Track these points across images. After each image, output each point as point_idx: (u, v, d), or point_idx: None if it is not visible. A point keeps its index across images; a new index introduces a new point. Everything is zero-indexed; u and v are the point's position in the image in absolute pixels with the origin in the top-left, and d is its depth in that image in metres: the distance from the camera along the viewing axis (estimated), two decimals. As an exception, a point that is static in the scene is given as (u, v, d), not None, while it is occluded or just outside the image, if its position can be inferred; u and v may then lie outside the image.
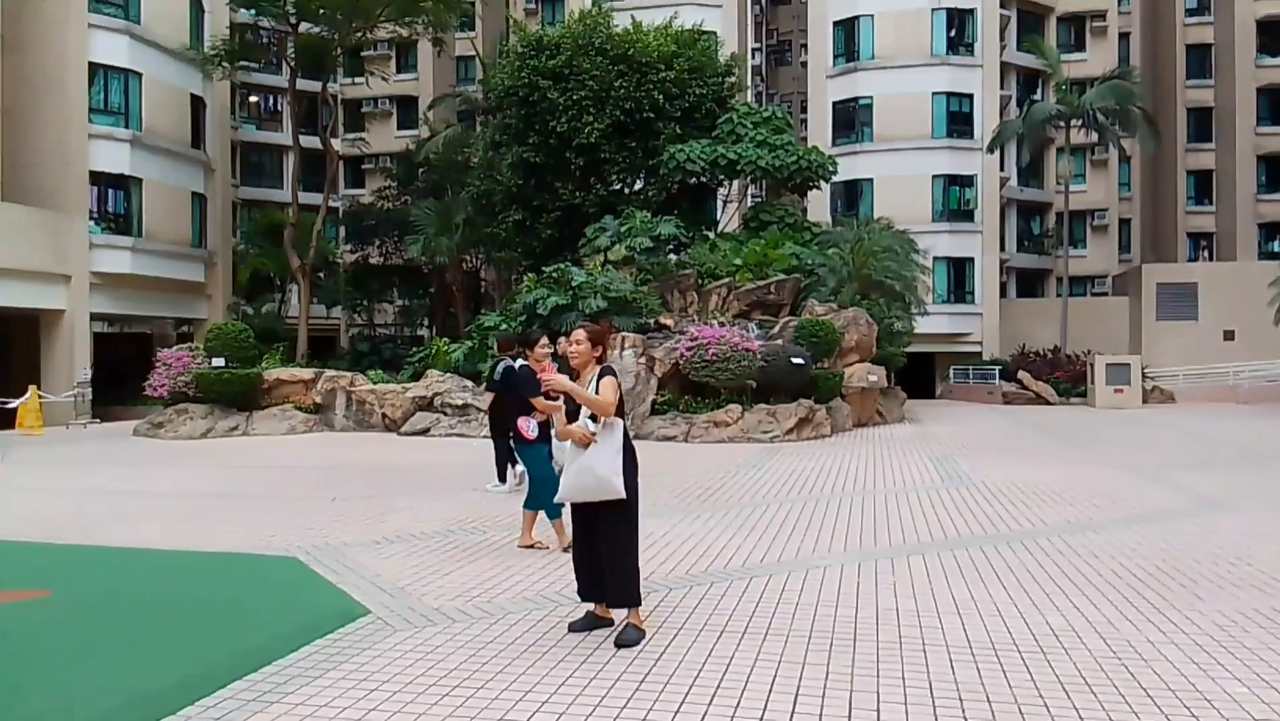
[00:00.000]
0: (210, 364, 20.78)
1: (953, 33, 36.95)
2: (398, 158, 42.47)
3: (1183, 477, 12.79)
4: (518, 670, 5.03)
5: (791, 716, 4.41)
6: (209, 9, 33.06)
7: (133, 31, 28.74)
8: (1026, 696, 4.66)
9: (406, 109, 45.55)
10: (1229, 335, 35.70)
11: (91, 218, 27.77)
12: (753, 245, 25.33)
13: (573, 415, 5.63)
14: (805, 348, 20.35)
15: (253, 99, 44.40)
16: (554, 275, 22.02)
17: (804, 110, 43.70)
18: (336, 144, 38.64)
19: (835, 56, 38.28)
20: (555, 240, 28.31)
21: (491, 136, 30.94)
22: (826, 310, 22.79)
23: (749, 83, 39.93)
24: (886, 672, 4.99)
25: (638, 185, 28.95)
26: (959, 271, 36.98)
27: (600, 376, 5.56)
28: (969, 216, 36.96)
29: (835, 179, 30.64)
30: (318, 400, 21.03)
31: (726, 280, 23.51)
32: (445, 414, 19.80)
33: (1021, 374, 33.12)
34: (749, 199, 34.45)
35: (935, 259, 33.27)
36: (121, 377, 27.40)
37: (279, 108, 44.13)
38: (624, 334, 19.71)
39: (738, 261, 24.35)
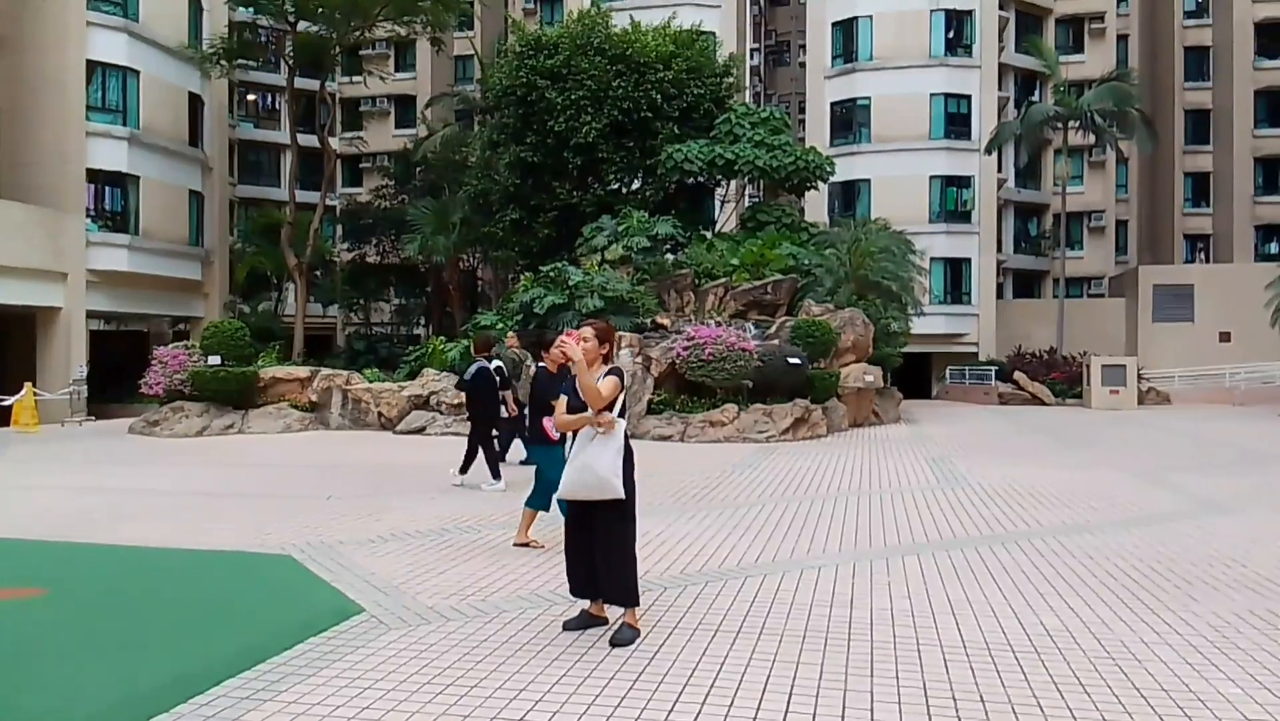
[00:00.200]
0: (206, 362, 20.75)
1: (951, 34, 36.99)
2: (395, 157, 42.48)
3: (1179, 479, 12.81)
4: (512, 668, 5.03)
5: (785, 716, 4.41)
6: (207, 7, 33.06)
7: (131, 29, 28.71)
8: (1020, 696, 4.66)
9: (404, 108, 45.55)
10: (1225, 337, 35.78)
11: (89, 215, 27.75)
12: (750, 245, 25.33)
13: (575, 410, 5.63)
14: (802, 348, 20.36)
15: (251, 97, 44.38)
16: (551, 274, 22.01)
17: (802, 111, 43.70)
18: (334, 143, 38.67)
19: (833, 57, 38.32)
20: (552, 239, 28.31)
21: (489, 136, 30.93)
22: (823, 310, 22.79)
23: (747, 83, 39.92)
24: (881, 672, 4.99)
25: (635, 185, 28.95)
26: (956, 272, 37.02)
27: (606, 375, 5.57)
28: (966, 217, 37.01)
29: (833, 179, 30.67)
30: (313, 398, 21.01)
31: (723, 280, 23.52)
32: (441, 412, 19.79)
33: (1018, 375, 33.17)
34: (746, 199, 34.45)
35: (932, 259, 33.29)
36: (117, 375, 27.38)
37: (277, 106, 44.13)
38: (620, 333, 19.72)
39: (735, 261, 24.36)
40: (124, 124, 28.61)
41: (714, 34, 32.92)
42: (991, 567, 7.42)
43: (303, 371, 21.85)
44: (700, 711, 4.46)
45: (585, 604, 5.80)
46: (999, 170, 38.48)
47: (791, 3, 52.92)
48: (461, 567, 7.37)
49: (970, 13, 36.94)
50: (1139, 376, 31.15)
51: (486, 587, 6.75)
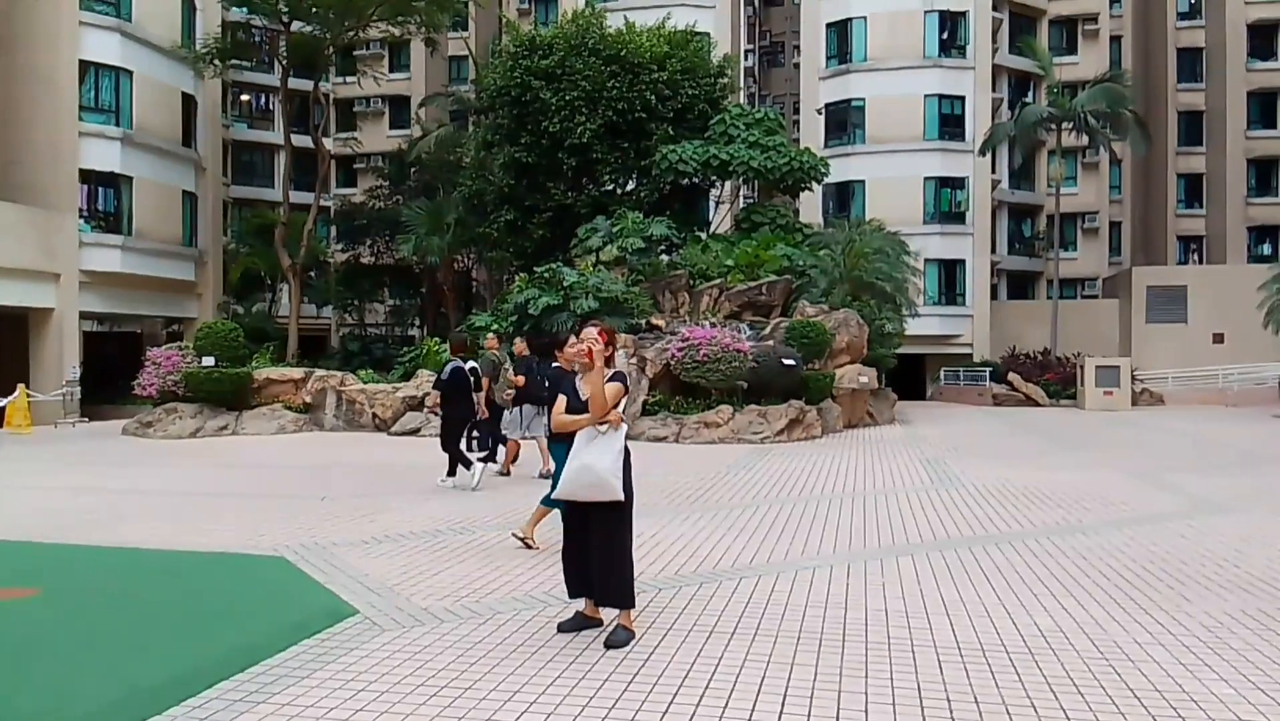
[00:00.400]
0: (200, 363, 20.70)
1: (945, 35, 37.05)
2: (389, 157, 42.44)
3: (1172, 479, 12.84)
4: (506, 670, 5.03)
5: (780, 717, 4.42)
6: (201, 7, 32.99)
7: (124, 29, 28.63)
8: (1014, 697, 4.67)
9: (398, 108, 45.50)
10: (1218, 338, 35.88)
11: (81, 216, 27.66)
12: (744, 246, 25.34)
13: (574, 411, 5.64)
14: (796, 349, 20.38)
15: (244, 97, 44.31)
16: (545, 275, 22.00)
17: (796, 111, 43.75)
18: (328, 143, 38.59)
19: (828, 58, 38.35)
20: (547, 240, 28.29)
21: (483, 136, 30.91)
22: (818, 311, 22.81)
23: (741, 84, 39.94)
24: (875, 673, 5.00)
25: (630, 186, 28.95)
26: (950, 273, 37.07)
27: (609, 380, 5.57)
28: (960, 218, 37.07)
29: (827, 180, 30.70)
30: (308, 400, 20.97)
31: (718, 281, 23.53)
32: (436, 414, 19.72)
33: (1012, 376, 33.22)
34: (741, 200, 34.49)
35: (926, 261, 33.35)
36: (111, 376, 27.32)
37: (271, 106, 44.06)
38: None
39: (729, 262, 24.37)
40: (117, 124, 28.52)
41: (708, 35, 32.91)
42: (985, 568, 7.43)
43: (297, 372, 21.81)
44: (695, 713, 4.46)
45: (580, 605, 5.80)
46: (993, 171, 38.55)
47: (786, 4, 52.96)
48: (456, 569, 7.36)
49: (964, 14, 37.00)
50: (1133, 377, 31.21)
51: (481, 589, 6.74)
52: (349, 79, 41.84)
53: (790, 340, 20.79)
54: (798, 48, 43.86)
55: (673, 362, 18.90)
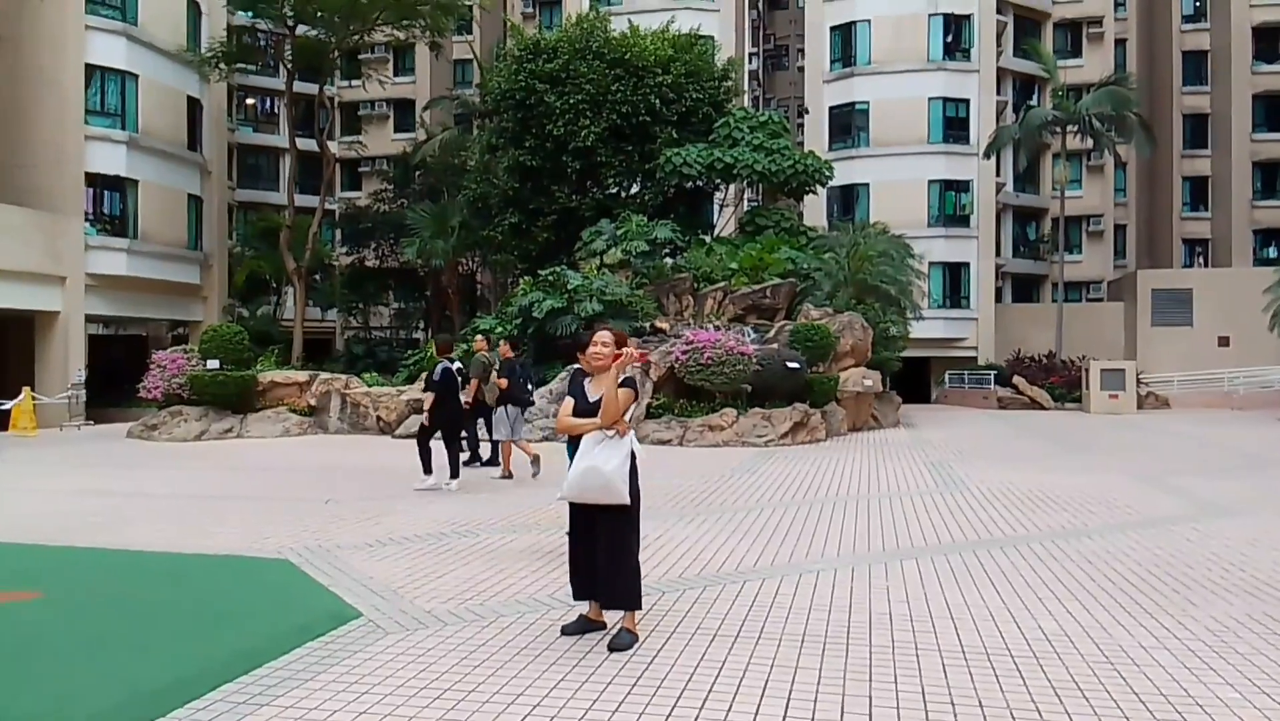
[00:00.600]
0: (205, 366, 20.74)
1: (949, 38, 37.04)
2: (394, 160, 42.49)
3: (1178, 483, 12.81)
4: (509, 673, 5.02)
5: (783, 719, 4.40)
6: (206, 11, 33.05)
7: (130, 33, 28.71)
8: (1019, 701, 4.65)
9: (403, 112, 45.58)
10: (1224, 341, 35.79)
11: (87, 219, 27.71)
12: (749, 249, 25.34)
13: (582, 413, 5.63)
14: (800, 352, 20.36)
15: (249, 101, 44.39)
16: (550, 278, 22.01)
17: (800, 115, 43.74)
18: (333, 146, 38.70)
19: (832, 61, 38.37)
20: (551, 243, 28.30)
21: (488, 140, 30.94)
22: (822, 314, 22.79)
23: (745, 87, 39.92)
24: (879, 677, 4.98)
25: (634, 189, 28.94)
26: (954, 276, 37.04)
27: (623, 384, 5.57)
28: (965, 221, 37.04)
29: (831, 183, 30.68)
30: (312, 402, 21.00)
31: (722, 284, 23.52)
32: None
33: (1016, 379, 33.18)
34: (745, 203, 34.46)
35: (931, 264, 33.32)
36: (116, 379, 27.36)
37: (276, 110, 44.15)
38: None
39: (733, 265, 24.37)
40: (122, 127, 28.59)
41: (712, 38, 32.92)
42: (990, 572, 7.41)
43: (301, 375, 21.84)
44: (698, 716, 4.45)
45: (583, 608, 5.79)
46: (997, 174, 38.51)
47: (790, 7, 52.94)
48: (459, 572, 7.36)
49: (968, 17, 36.99)
50: (1138, 381, 31.16)
51: (484, 592, 6.74)
52: (354, 82, 41.88)
53: (794, 343, 20.78)
54: (802, 51, 43.84)
55: (677, 365, 18.90)
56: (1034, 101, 40.96)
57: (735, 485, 12.50)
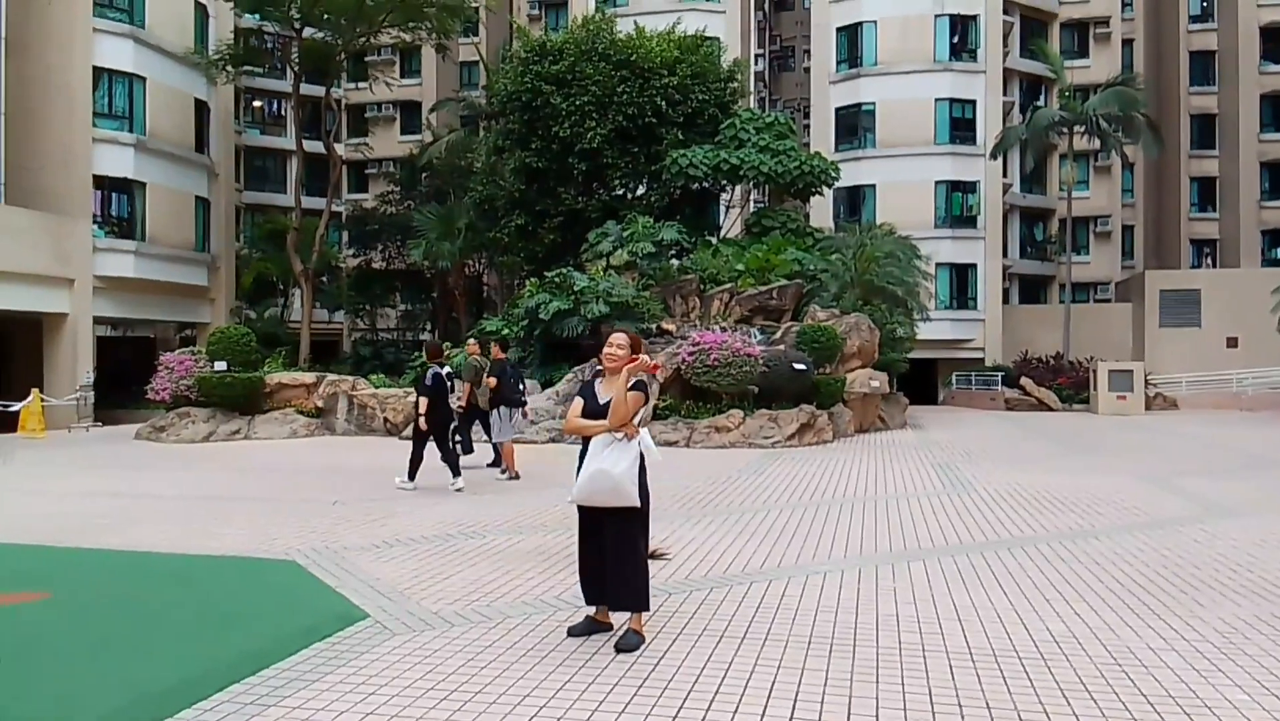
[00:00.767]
0: (212, 367, 20.79)
1: (956, 39, 36.99)
2: (401, 162, 42.58)
3: (1186, 484, 12.76)
4: (516, 674, 5.02)
5: (790, 722, 4.40)
6: (213, 13, 33.13)
7: (137, 36, 28.79)
8: (1026, 703, 4.64)
9: (410, 114, 45.64)
10: (1232, 342, 35.67)
11: (95, 221, 27.80)
12: (755, 250, 25.32)
13: (592, 415, 5.63)
14: (807, 353, 20.34)
15: (256, 103, 44.49)
16: (556, 280, 22.02)
17: (807, 116, 43.73)
18: (340, 149, 38.73)
19: (838, 62, 38.34)
20: (557, 245, 28.33)
21: (494, 141, 30.98)
22: (828, 316, 22.78)
23: (751, 88, 39.93)
24: (886, 678, 4.98)
25: (640, 190, 28.96)
26: (961, 277, 36.97)
27: (633, 387, 5.56)
28: (972, 222, 36.97)
29: (838, 185, 30.64)
30: (319, 404, 21.04)
31: (729, 285, 23.51)
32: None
33: (1024, 380, 33.10)
34: (751, 204, 34.47)
35: (938, 265, 33.28)
36: (124, 381, 27.43)
37: (283, 112, 44.22)
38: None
39: (740, 267, 24.35)
40: (130, 130, 28.68)
41: (718, 39, 32.96)
42: (998, 573, 7.39)
43: (308, 377, 21.88)
44: (704, 717, 4.44)
45: (590, 609, 5.79)
46: (1004, 175, 38.43)
47: (796, 8, 52.93)
48: (466, 573, 7.36)
49: (975, 18, 36.94)
50: (1146, 382, 31.07)
51: (491, 593, 6.74)
52: (360, 84, 41.98)
53: (801, 344, 20.76)
54: (808, 52, 43.85)
55: (683, 367, 18.89)
56: (1041, 102, 40.88)
57: (742, 487, 12.49)
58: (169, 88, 30.23)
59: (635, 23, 30.33)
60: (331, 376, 22.07)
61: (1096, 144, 38.26)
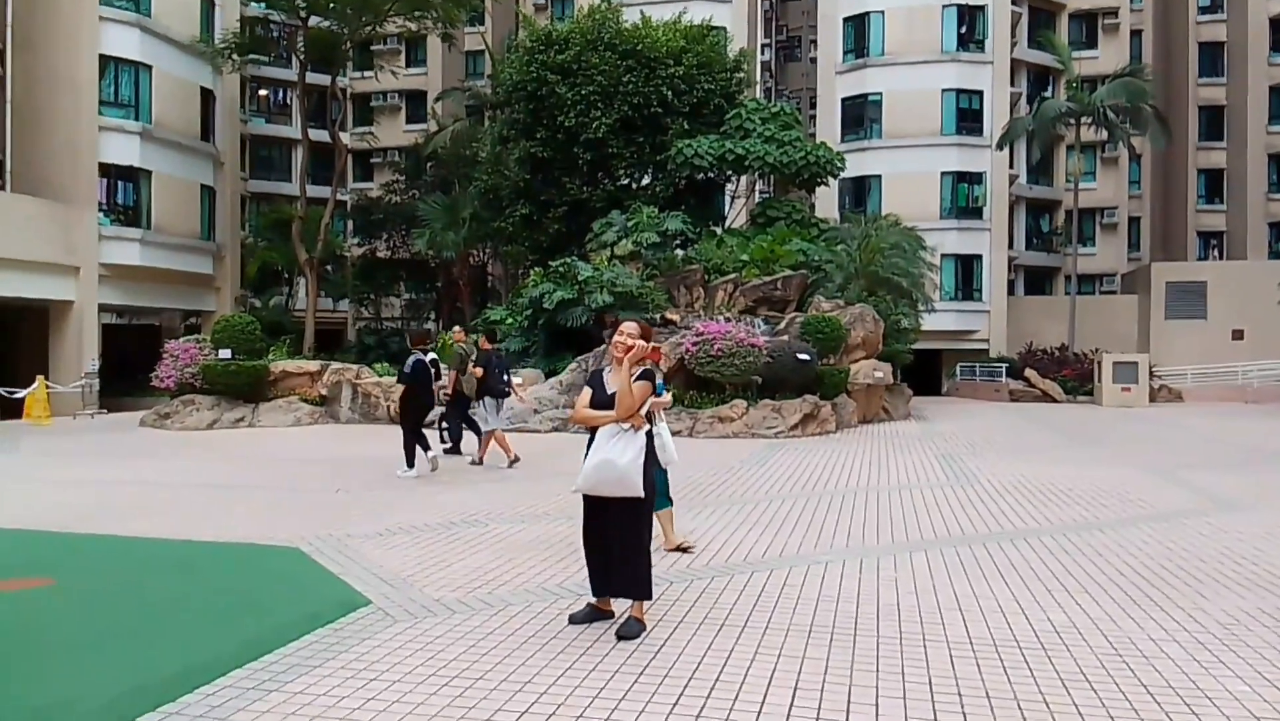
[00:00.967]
0: (217, 356, 20.83)
1: (963, 29, 36.81)
2: (406, 152, 42.56)
3: (1190, 476, 12.74)
4: (517, 661, 5.04)
5: (790, 710, 4.41)
6: (219, 2, 33.11)
7: (143, 24, 28.78)
8: (1026, 693, 4.65)
9: (415, 103, 45.61)
10: (1238, 334, 35.59)
11: (101, 210, 27.83)
12: (760, 241, 25.29)
13: (600, 405, 5.63)
14: (811, 343, 20.32)
15: (262, 92, 44.50)
16: (560, 270, 22.02)
17: (813, 106, 43.60)
18: (345, 138, 38.75)
19: (845, 52, 38.19)
20: (562, 235, 28.32)
21: (499, 131, 30.95)
22: (833, 306, 22.74)
23: (758, 78, 39.82)
24: (886, 668, 4.98)
25: (645, 180, 28.92)
26: (967, 268, 36.88)
27: (640, 376, 5.56)
28: (978, 214, 36.86)
29: (843, 175, 30.59)
30: (324, 392, 21.06)
31: (733, 276, 23.47)
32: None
33: (1028, 371, 33.03)
34: (756, 195, 34.40)
35: (943, 256, 33.19)
36: (129, 369, 27.50)
37: (288, 101, 44.25)
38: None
39: (744, 257, 24.32)
40: (136, 119, 28.68)
41: (724, 29, 32.84)
42: (1000, 564, 7.39)
43: (313, 365, 21.90)
44: (705, 705, 4.46)
45: (591, 597, 5.80)
46: (1011, 166, 38.31)
47: (803, -2, 52.73)
48: (469, 560, 7.38)
49: (982, 8, 36.75)
50: (1151, 374, 31.00)
51: (493, 580, 6.76)
52: (366, 74, 41.99)
53: (805, 335, 20.74)
54: (814, 42, 43.69)
55: (687, 357, 18.87)
56: (1048, 93, 40.72)
57: (745, 476, 12.49)
58: (175, 76, 30.22)
59: (641, 12, 30.25)
60: (336, 365, 22.10)
61: (1104, 135, 38.13)
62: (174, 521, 9.04)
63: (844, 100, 38.01)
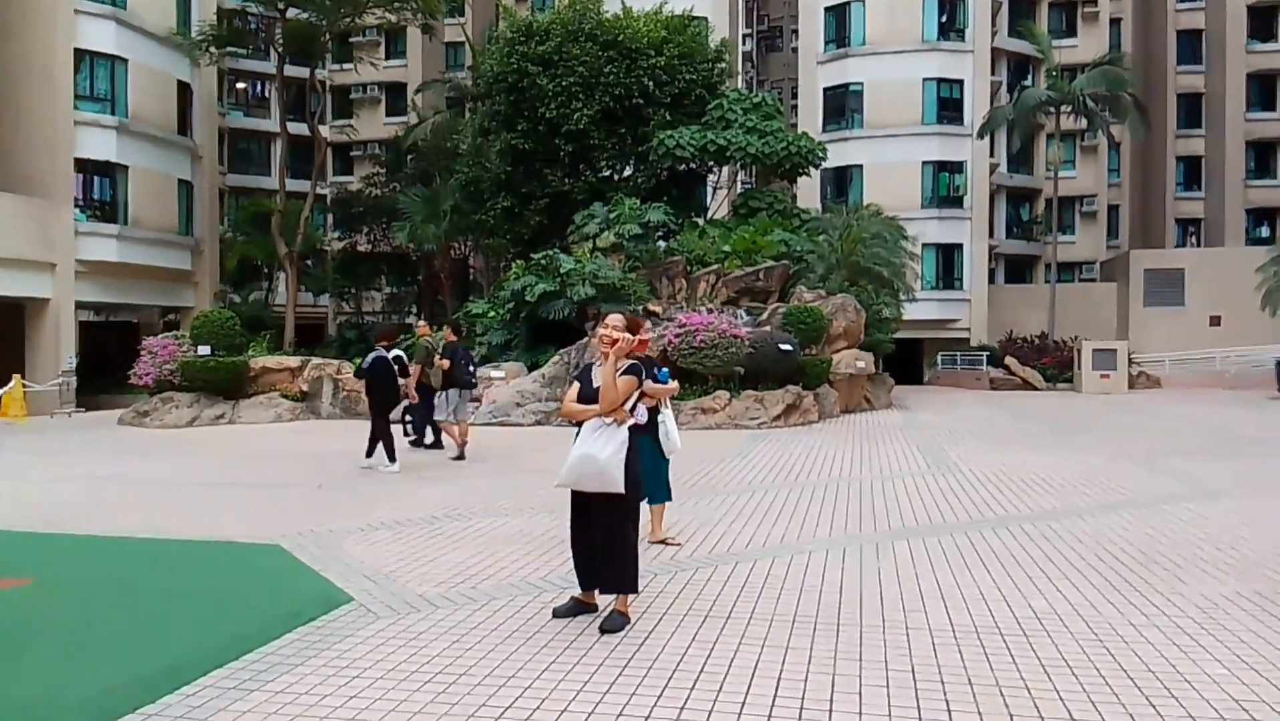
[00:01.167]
0: (196, 352, 20.67)
1: (944, 18, 36.85)
2: (386, 145, 42.32)
3: (1169, 463, 12.84)
4: (500, 656, 5.03)
5: (774, 700, 4.42)
6: (196, -6, 32.80)
7: (119, 17, 28.44)
8: (1008, 679, 4.67)
9: (395, 96, 45.32)
10: (1216, 321, 35.88)
11: (77, 205, 27.53)
12: (742, 232, 25.28)
13: (587, 399, 5.60)
14: (793, 334, 20.35)
15: (240, 85, 44.12)
16: (542, 262, 21.95)
17: (794, 96, 43.59)
18: (325, 131, 38.48)
19: (826, 42, 38.15)
20: (544, 227, 28.22)
21: (480, 123, 30.79)
22: (815, 297, 22.78)
23: (739, 69, 39.78)
24: (870, 656, 5.00)
25: (627, 172, 28.85)
26: (948, 258, 36.98)
27: (627, 371, 5.55)
28: (958, 203, 36.96)
29: (825, 165, 30.59)
30: (304, 388, 20.95)
31: (715, 267, 23.47)
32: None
33: (1009, 360, 33.23)
34: (738, 185, 34.40)
35: (924, 245, 33.24)
36: (107, 366, 27.26)
37: (267, 94, 43.87)
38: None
39: (726, 248, 24.31)
40: (112, 113, 28.38)
41: (706, 19, 32.75)
42: (981, 552, 7.43)
43: (293, 361, 21.77)
44: (689, 696, 4.46)
45: (575, 590, 5.79)
46: (991, 155, 38.42)
47: (783, -12, 52.66)
48: (451, 555, 7.36)
49: (963, -3, 36.81)
50: (1130, 361, 31.22)
51: (476, 575, 6.74)
52: (345, 66, 41.66)
53: (787, 325, 20.77)
54: (796, 32, 43.66)
55: (669, 349, 18.86)
56: (1028, 82, 40.88)
57: (727, 468, 12.51)
58: (152, 70, 29.91)
59: (622, 3, 30.11)
60: (316, 360, 21.97)
61: (1083, 124, 38.32)
62: (154, 519, 8.97)
63: (825, 90, 38.01)
